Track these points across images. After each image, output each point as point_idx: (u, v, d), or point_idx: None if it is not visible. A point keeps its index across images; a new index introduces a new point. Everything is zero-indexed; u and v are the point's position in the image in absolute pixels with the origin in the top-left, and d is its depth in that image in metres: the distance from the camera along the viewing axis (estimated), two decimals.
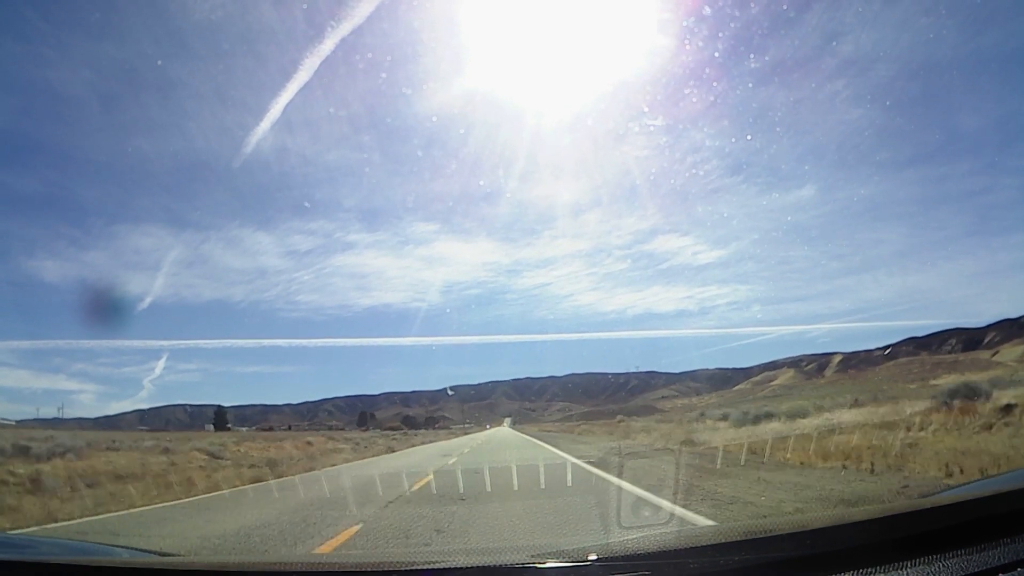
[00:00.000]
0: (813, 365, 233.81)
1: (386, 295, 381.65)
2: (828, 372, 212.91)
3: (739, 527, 2.01)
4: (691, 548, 1.77)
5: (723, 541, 1.83)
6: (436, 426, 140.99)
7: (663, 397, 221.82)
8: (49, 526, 8.54)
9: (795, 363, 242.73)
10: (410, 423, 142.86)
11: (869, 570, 1.59)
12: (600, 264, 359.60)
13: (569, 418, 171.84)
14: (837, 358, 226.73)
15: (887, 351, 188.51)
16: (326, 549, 5.49)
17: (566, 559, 1.73)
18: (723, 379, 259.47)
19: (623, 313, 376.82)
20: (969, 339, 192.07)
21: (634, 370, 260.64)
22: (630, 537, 1.91)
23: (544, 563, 1.71)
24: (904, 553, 1.63)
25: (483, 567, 1.75)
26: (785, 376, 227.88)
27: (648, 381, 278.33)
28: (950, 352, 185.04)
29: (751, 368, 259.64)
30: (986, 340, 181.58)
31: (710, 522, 5.86)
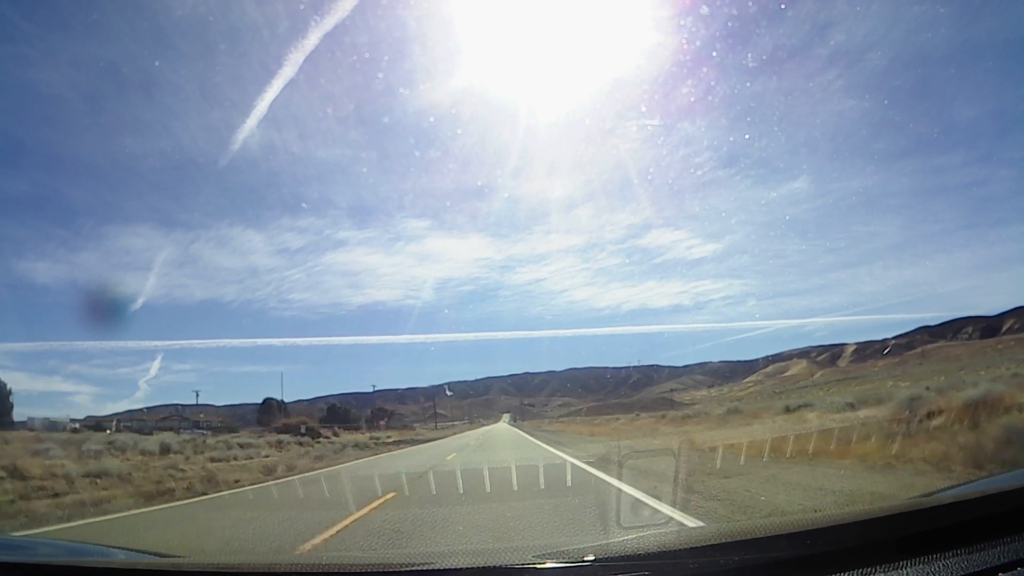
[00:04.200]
0: (825, 355, 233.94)
1: (379, 292, 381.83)
2: (842, 362, 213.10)
3: (739, 527, 2.06)
4: (691, 548, 1.82)
5: (723, 541, 1.88)
6: (380, 424, 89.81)
7: (672, 390, 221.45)
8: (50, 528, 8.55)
9: (804, 354, 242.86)
10: (340, 418, 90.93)
11: (869, 570, 1.64)
12: (594, 259, 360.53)
13: (577, 412, 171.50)
14: (850, 348, 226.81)
15: (886, 351, 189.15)
16: None
17: (566, 559, 1.78)
18: (729, 372, 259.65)
19: (618, 308, 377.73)
20: (986, 327, 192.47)
21: (635, 364, 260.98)
22: (630, 537, 1.97)
23: (544, 563, 1.76)
24: (904, 552, 1.67)
25: (482, 568, 1.79)
26: (797, 367, 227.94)
27: (650, 375, 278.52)
28: (968, 339, 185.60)
29: (755, 361, 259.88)
30: (1004, 328, 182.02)
31: None
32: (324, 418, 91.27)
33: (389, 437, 57.28)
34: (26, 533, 8.15)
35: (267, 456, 27.63)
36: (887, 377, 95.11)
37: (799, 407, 28.12)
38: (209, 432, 64.20)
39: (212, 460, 23.53)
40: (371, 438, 53.57)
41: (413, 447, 36.74)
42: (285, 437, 45.38)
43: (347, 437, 56.65)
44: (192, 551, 6.26)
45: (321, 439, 49.06)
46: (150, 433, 51.68)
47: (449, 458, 19.63)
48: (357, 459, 24.71)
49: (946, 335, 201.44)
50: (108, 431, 62.40)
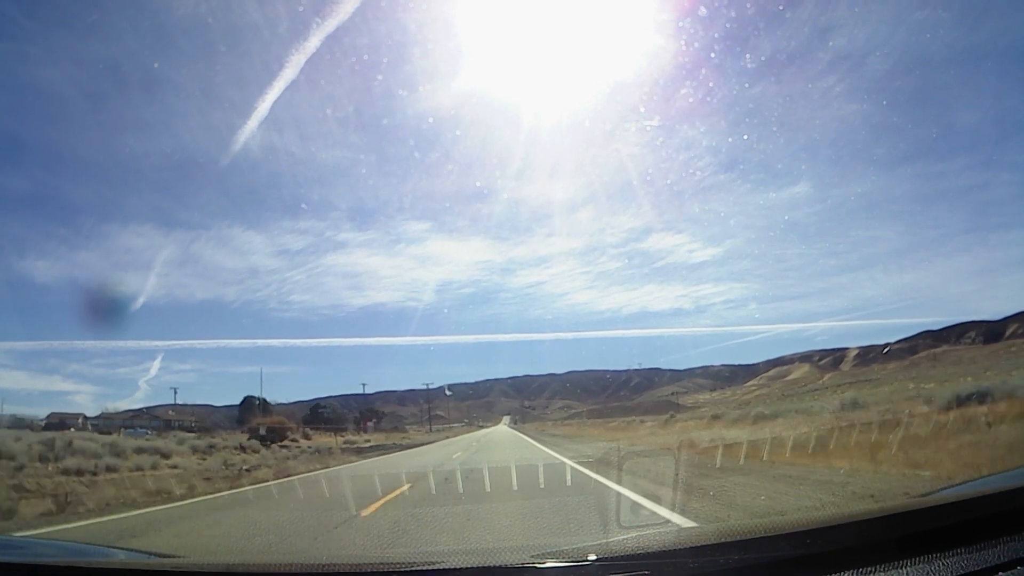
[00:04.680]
0: (828, 359, 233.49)
1: (379, 294, 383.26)
2: (844, 366, 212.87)
3: (739, 527, 2.06)
4: (691, 548, 1.82)
5: (723, 541, 1.88)
6: (367, 425, 79.85)
7: (674, 393, 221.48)
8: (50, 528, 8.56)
9: (806, 358, 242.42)
10: (325, 419, 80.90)
11: (869, 569, 1.64)
12: (594, 263, 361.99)
13: (578, 415, 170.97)
14: (853, 352, 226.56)
15: (885, 351, 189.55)
16: None
17: (566, 559, 1.78)
18: (730, 375, 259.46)
19: (618, 312, 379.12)
20: (989, 331, 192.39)
21: (636, 367, 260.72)
22: (630, 536, 1.98)
23: (544, 563, 1.77)
24: (904, 552, 1.68)
25: (483, 567, 1.80)
26: (800, 371, 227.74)
27: (651, 378, 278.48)
28: (971, 344, 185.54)
29: (756, 365, 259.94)
30: (1007, 332, 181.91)
31: None
32: (307, 418, 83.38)
33: (367, 442, 50.04)
34: (26, 533, 8.18)
35: (172, 468, 21.27)
36: (905, 379, 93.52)
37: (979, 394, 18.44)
38: (152, 432, 56.86)
39: (64, 473, 17.62)
40: (345, 443, 46.93)
41: (380, 458, 28.19)
42: (235, 441, 39.75)
43: (319, 440, 50.54)
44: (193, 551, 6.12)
45: (281, 443, 42.73)
46: (110, 433, 44.99)
47: (399, 492, 10.74)
48: (256, 483, 15.09)
49: (949, 339, 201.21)
50: (72, 429, 58.37)
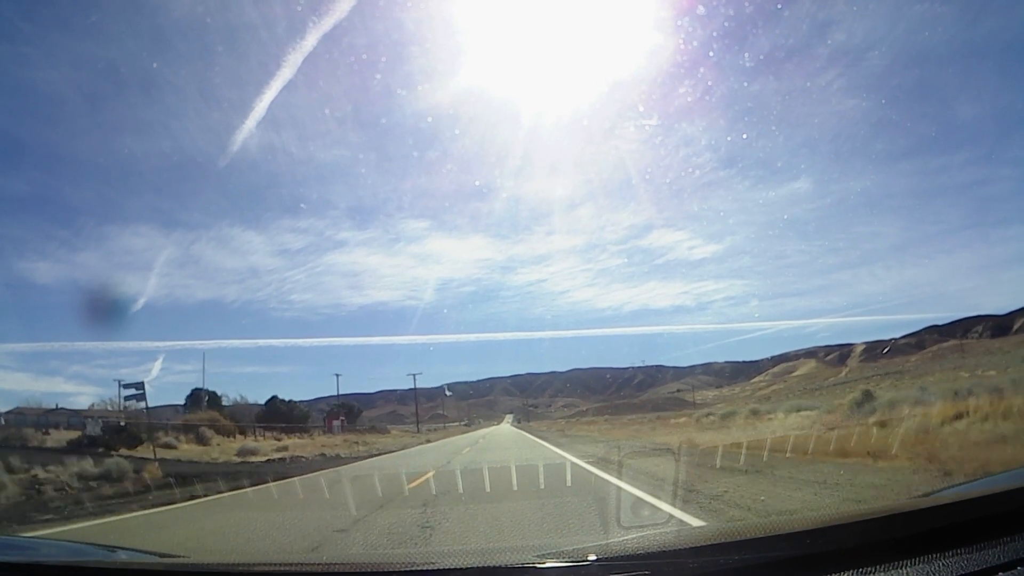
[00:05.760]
0: (834, 355, 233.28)
1: (380, 293, 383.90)
2: (851, 362, 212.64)
3: (739, 527, 2.08)
4: (691, 548, 1.83)
5: (723, 541, 1.89)
6: (332, 424, 67.06)
7: (678, 390, 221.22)
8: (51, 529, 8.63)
9: (810, 354, 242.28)
10: (283, 416, 66.85)
11: (869, 569, 1.65)
12: (595, 260, 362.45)
13: (582, 413, 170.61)
14: (859, 347, 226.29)
15: (885, 349, 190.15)
16: None
17: (566, 559, 1.79)
18: (733, 372, 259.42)
19: (619, 309, 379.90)
20: (996, 325, 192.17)
21: (640, 364, 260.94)
22: (630, 537, 1.99)
23: (544, 563, 1.78)
24: (904, 552, 1.69)
25: (483, 567, 1.81)
26: (806, 367, 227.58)
27: (655, 375, 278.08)
28: (979, 338, 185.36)
29: (759, 361, 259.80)
30: (1015, 326, 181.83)
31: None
32: (262, 415, 67.66)
33: (283, 450, 33.09)
34: (26, 533, 8.22)
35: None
36: (944, 370, 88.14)
37: None
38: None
39: None
40: (238, 453, 29.94)
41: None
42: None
43: (229, 445, 34.16)
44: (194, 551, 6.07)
45: (131, 450, 25.60)
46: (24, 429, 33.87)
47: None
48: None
49: (956, 334, 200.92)
50: None
